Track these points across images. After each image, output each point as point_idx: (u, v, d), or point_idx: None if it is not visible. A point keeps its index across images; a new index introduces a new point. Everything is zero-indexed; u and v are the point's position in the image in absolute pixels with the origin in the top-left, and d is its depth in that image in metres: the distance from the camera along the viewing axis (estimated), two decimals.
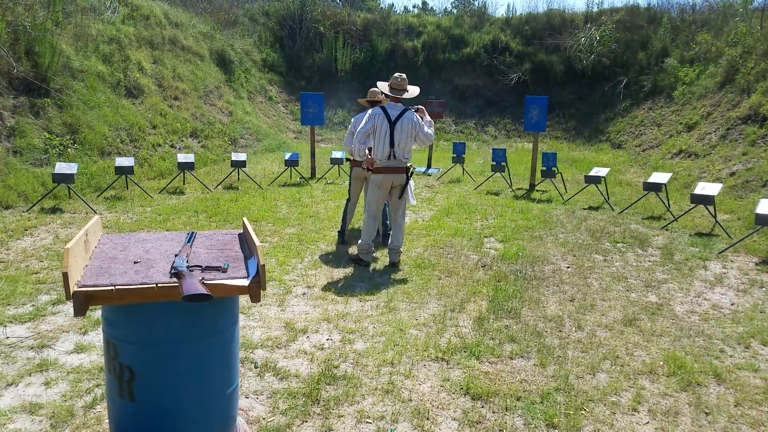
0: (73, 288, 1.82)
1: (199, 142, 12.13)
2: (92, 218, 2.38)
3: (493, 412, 2.80)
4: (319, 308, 4.13)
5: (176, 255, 2.11)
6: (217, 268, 2.02)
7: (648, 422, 2.76)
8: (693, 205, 7.14)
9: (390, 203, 5.34)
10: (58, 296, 4.15)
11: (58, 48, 9.48)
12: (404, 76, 5.12)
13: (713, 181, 8.92)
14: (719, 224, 6.82)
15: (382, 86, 5.21)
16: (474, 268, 5.21)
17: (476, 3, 25.64)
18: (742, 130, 10.20)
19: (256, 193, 8.73)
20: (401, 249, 5.33)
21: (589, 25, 18.30)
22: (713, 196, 6.83)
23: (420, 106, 5.28)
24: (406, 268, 5.17)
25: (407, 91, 5.14)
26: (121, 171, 8.10)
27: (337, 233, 6.20)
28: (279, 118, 17.10)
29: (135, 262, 2.10)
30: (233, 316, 2.14)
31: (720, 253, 5.87)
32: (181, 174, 9.30)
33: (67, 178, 7.19)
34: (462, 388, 3.00)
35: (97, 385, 2.92)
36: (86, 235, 2.15)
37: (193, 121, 12.46)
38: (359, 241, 5.32)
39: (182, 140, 11.59)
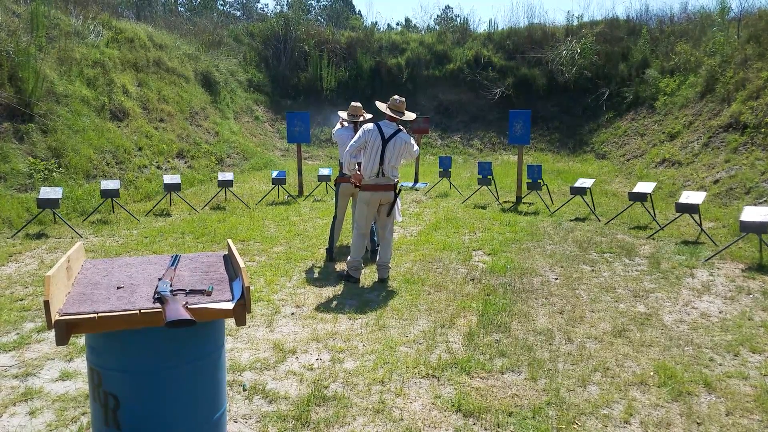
0: (55, 316, 1.79)
1: (185, 163, 12.10)
2: (75, 244, 2.36)
3: (485, 429, 2.78)
4: (308, 328, 4.10)
5: (160, 279, 2.09)
6: (201, 292, 2.00)
7: None
8: (678, 214, 7.22)
9: (378, 220, 5.34)
10: (43, 323, 4.08)
11: (42, 73, 9.44)
12: (403, 99, 5.20)
13: (697, 190, 9.03)
14: (705, 232, 6.89)
15: (381, 107, 5.26)
16: (463, 282, 5.21)
17: (458, 19, 26.04)
18: (724, 138, 10.37)
19: (244, 212, 8.69)
20: (390, 265, 5.33)
21: (569, 39, 18.59)
22: (698, 205, 6.92)
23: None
24: (395, 284, 5.16)
25: (404, 114, 5.19)
26: (107, 194, 8.04)
27: (325, 251, 6.19)
28: (265, 137, 17.11)
29: (118, 288, 2.07)
30: (219, 339, 2.12)
31: (706, 260, 5.93)
32: (168, 195, 9.25)
33: (52, 203, 7.12)
34: (453, 406, 2.98)
35: (83, 414, 2.86)
36: (68, 261, 2.13)
37: (179, 142, 12.43)
38: (348, 258, 5.31)
39: (168, 161, 11.55)
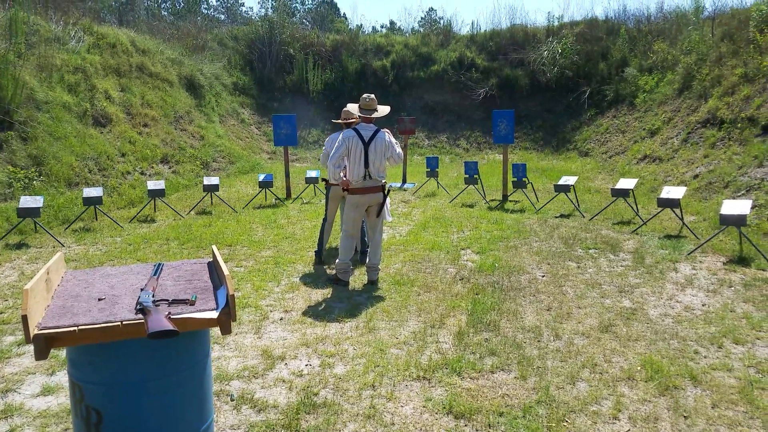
0: (34, 330, 1.75)
1: (170, 168, 11.97)
2: (55, 255, 2.31)
3: (477, 431, 2.78)
4: (297, 333, 4.07)
5: (142, 289, 2.06)
6: (184, 301, 1.97)
7: (629, 429, 2.78)
8: (660, 208, 7.30)
9: (367, 222, 5.32)
10: (23, 337, 4.00)
11: (21, 80, 9.29)
12: (373, 96, 5.15)
13: (678, 185, 9.14)
14: (686, 226, 6.97)
15: (353, 108, 5.23)
16: (452, 281, 5.22)
17: (442, 21, 26.12)
18: (702, 133, 10.52)
19: (231, 216, 8.62)
20: (379, 267, 5.31)
21: (550, 39, 18.75)
22: (679, 200, 7.00)
23: (387, 129, 5.31)
24: (385, 286, 5.14)
25: (377, 110, 5.16)
26: (90, 202, 7.92)
27: (314, 254, 6.16)
28: (252, 140, 17.01)
29: (99, 299, 2.03)
30: (204, 349, 2.09)
31: (689, 254, 6.00)
32: (152, 201, 9.14)
33: (32, 212, 7.00)
34: (444, 408, 2.98)
35: (66, 430, 2.81)
36: (48, 273, 2.09)
37: (164, 147, 12.30)
38: (337, 260, 5.28)
39: (152, 167, 11.42)
